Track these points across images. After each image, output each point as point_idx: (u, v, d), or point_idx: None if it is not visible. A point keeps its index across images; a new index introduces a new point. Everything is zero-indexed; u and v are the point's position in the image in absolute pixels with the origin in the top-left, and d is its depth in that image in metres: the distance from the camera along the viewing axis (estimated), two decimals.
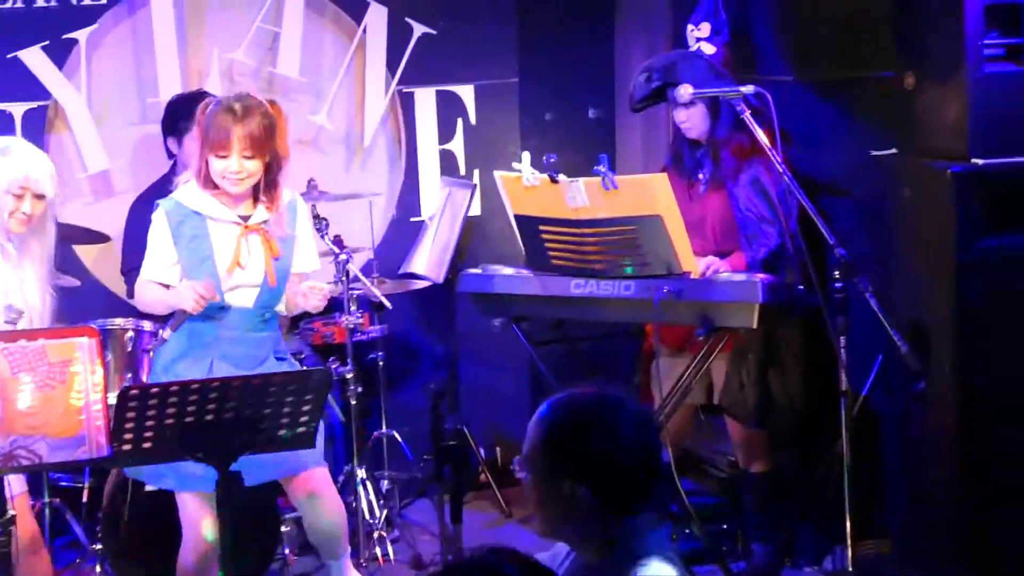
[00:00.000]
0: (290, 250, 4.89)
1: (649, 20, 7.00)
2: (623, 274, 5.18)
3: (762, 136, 5.04)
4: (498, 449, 6.76)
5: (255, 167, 4.74)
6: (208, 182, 4.78)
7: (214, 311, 4.79)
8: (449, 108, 6.84)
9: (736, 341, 5.42)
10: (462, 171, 6.86)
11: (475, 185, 6.63)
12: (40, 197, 4.67)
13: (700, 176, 5.63)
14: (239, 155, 4.69)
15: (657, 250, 5.10)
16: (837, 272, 4.88)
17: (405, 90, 6.78)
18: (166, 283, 4.82)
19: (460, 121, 6.86)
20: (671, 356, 5.63)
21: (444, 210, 6.66)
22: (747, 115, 5.09)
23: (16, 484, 4.56)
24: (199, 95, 6.04)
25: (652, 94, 5.58)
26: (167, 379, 4.69)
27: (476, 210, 6.80)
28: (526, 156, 5.27)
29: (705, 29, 6.00)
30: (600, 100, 7.20)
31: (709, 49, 5.95)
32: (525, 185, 5.23)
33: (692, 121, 5.53)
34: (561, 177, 5.15)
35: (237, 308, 4.82)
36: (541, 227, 5.30)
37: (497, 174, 5.43)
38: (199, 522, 4.78)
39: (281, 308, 4.95)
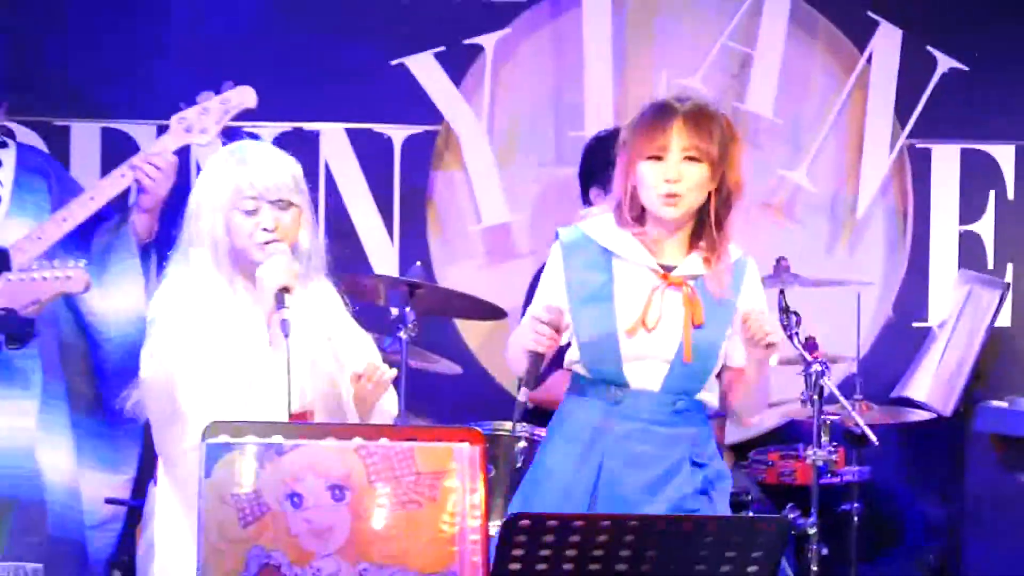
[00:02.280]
0: (723, 320, 4.80)
1: None
2: None
3: None
4: None
5: (698, 177, 4.65)
6: (630, 213, 4.75)
7: (605, 390, 4.79)
8: (978, 174, 6.86)
9: None
10: (990, 263, 6.86)
11: (1007, 284, 6.60)
12: (283, 206, 4.67)
13: None
14: (679, 157, 4.66)
15: None
16: None
17: (919, 145, 6.83)
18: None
19: (992, 194, 6.87)
20: None
21: (961, 316, 6.64)
22: None
23: None
24: None
25: None
26: (537, 482, 4.80)
27: (1005, 319, 6.77)
28: None
29: None
30: None
31: None
32: None
33: None
34: None
35: (638, 390, 4.81)
36: None
37: None
38: None
39: (707, 397, 4.87)
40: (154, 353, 4.56)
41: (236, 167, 4.59)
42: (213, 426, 4.00)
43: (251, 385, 4.52)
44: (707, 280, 4.74)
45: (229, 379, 4.52)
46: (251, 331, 4.56)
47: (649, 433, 4.76)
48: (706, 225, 4.72)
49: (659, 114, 4.67)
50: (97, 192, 5.58)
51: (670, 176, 4.63)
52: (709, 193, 4.67)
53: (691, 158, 4.64)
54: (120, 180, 5.60)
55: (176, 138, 5.62)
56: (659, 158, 4.64)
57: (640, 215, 4.73)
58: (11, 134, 6.22)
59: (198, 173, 6.11)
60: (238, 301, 4.62)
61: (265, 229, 4.57)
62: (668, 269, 4.74)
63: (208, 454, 3.96)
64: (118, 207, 5.73)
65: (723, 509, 4.82)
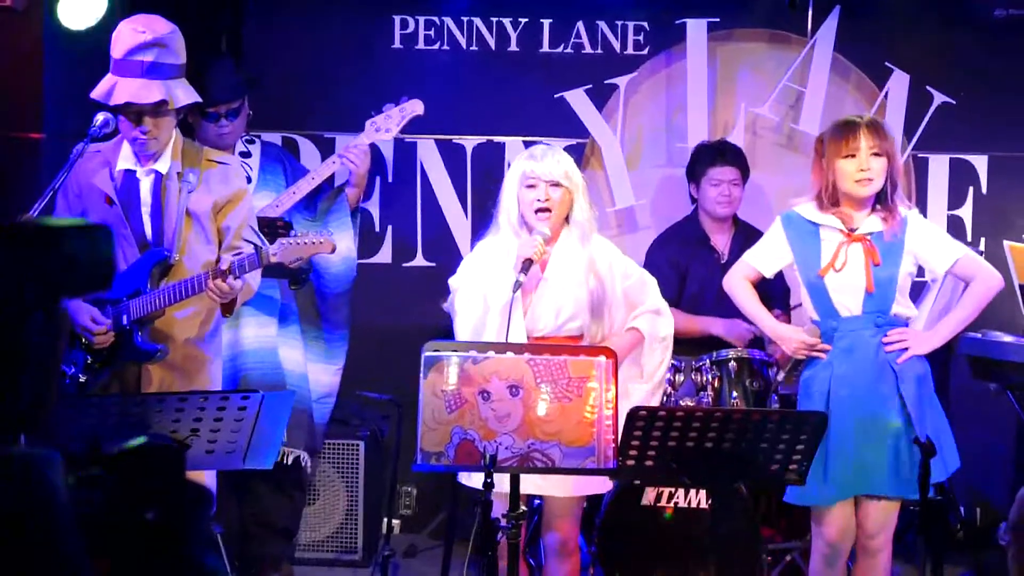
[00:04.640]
0: (896, 258, 4.74)
1: None
2: None
3: None
4: (978, 510, 6.51)
5: (880, 167, 4.66)
6: (830, 199, 4.73)
7: (827, 322, 4.76)
8: (961, 176, 6.62)
9: None
10: (969, 238, 6.58)
11: (980, 252, 6.22)
12: (555, 185, 4.59)
13: None
14: (867, 152, 4.65)
15: None
16: None
17: (920, 155, 6.61)
18: (764, 273, 4.91)
19: (971, 190, 6.62)
20: None
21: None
22: None
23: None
24: (720, 145, 6.13)
25: None
26: (803, 387, 4.80)
27: None
28: None
29: None
30: None
31: None
32: None
33: None
34: None
35: (847, 316, 4.74)
36: None
37: (1007, 244, 5.26)
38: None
39: (903, 311, 4.78)
40: (456, 288, 4.67)
41: (527, 160, 4.63)
42: (430, 344, 3.99)
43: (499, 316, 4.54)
44: (883, 231, 4.71)
45: (488, 312, 4.57)
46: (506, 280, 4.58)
47: (862, 345, 4.71)
48: (882, 199, 4.71)
49: (848, 127, 4.70)
50: (316, 174, 5.60)
51: (863, 166, 4.65)
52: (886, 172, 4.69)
53: (875, 154, 4.66)
54: (331, 165, 5.61)
55: (369, 135, 5.61)
56: (853, 156, 4.66)
57: (836, 200, 4.72)
58: (294, 142, 6.26)
59: (384, 159, 6.44)
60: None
61: (539, 199, 4.57)
62: (854, 231, 4.73)
63: (425, 362, 3.96)
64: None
65: (913, 402, 4.69)
